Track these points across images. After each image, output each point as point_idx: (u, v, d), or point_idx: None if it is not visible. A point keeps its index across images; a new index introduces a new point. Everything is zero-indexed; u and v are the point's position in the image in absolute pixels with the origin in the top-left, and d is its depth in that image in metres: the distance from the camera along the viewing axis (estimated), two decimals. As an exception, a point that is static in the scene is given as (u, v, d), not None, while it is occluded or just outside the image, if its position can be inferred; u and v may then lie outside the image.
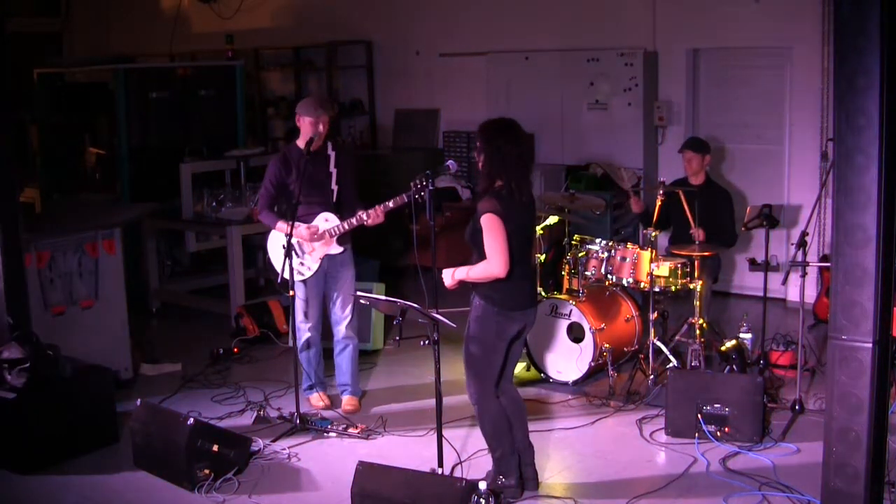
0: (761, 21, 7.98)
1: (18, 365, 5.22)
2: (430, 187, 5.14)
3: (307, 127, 5.79)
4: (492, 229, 4.43)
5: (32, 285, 5.91)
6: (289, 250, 5.49)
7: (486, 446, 5.30)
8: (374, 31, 10.61)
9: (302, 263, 5.83)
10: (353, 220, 5.74)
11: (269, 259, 6.01)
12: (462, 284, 4.64)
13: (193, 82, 9.46)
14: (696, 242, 6.26)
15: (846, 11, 3.65)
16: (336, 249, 5.88)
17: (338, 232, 5.81)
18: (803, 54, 7.85)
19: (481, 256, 4.51)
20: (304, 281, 5.84)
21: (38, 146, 9.85)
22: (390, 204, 5.62)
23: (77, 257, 6.26)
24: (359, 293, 5.45)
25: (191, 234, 8.75)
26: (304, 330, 5.93)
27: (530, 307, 4.73)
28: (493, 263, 4.43)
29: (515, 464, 4.72)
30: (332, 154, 5.91)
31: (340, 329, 6.02)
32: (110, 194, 9.04)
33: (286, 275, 5.53)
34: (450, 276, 4.63)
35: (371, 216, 5.67)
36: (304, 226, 5.75)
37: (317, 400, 6.06)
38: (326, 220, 5.85)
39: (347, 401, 6.06)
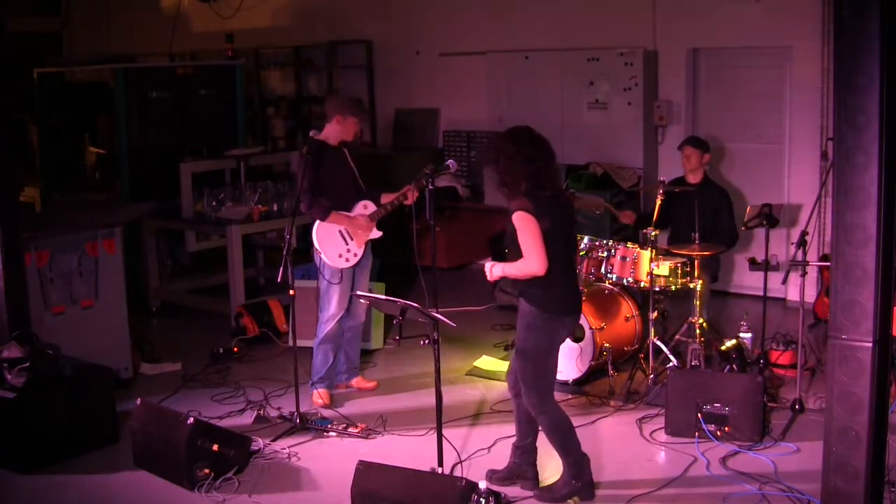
0: (761, 21, 7.97)
1: (18, 365, 5.22)
2: (431, 186, 5.14)
3: (349, 127, 5.96)
4: (525, 227, 4.42)
5: (32, 285, 5.90)
6: (288, 248, 5.51)
7: (486, 446, 5.34)
8: (374, 30, 10.61)
9: (349, 250, 5.95)
10: (395, 202, 6.00)
11: (316, 250, 5.95)
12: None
13: (193, 82, 9.47)
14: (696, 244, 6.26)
15: (846, 11, 3.65)
16: (376, 234, 6.08)
17: (379, 216, 6.06)
18: (803, 54, 7.85)
19: (519, 257, 4.49)
20: (342, 270, 5.95)
21: (38, 146, 9.85)
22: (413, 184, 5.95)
23: (77, 257, 6.26)
24: (359, 292, 5.45)
25: (191, 233, 8.76)
26: (335, 320, 6.01)
27: (577, 313, 4.73)
28: (531, 261, 4.42)
29: (587, 464, 4.69)
30: (345, 150, 6.07)
31: (359, 312, 6.17)
32: (110, 194, 9.04)
33: (316, 271, 5.64)
34: (491, 269, 4.61)
35: (410, 196, 5.94)
36: (355, 216, 5.99)
37: (318, 397, 6.08)
38: (365, 207, 6.04)
39: (365, 381, 6.36)
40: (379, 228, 6.10)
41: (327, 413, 5.90)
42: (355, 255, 5.99)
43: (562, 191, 4.70)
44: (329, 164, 5.89)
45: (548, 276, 4.45)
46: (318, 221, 5.90)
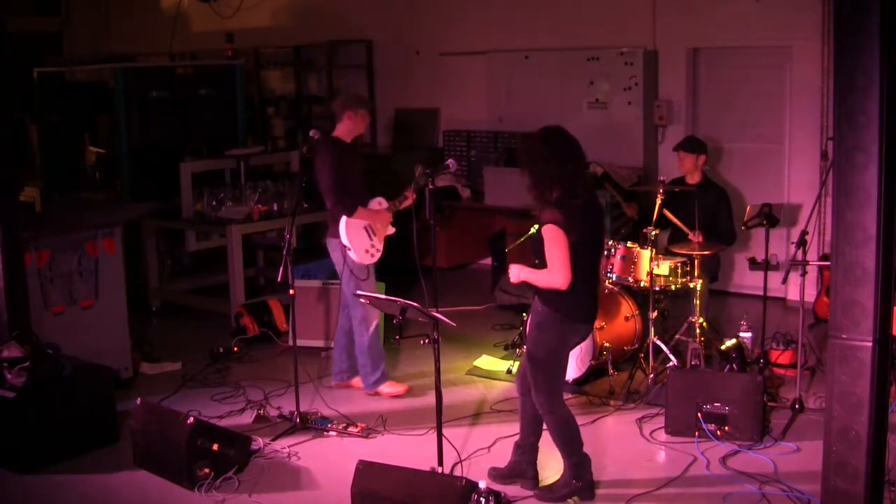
0: (761, 20, 7.97)
1: (18, 365, 5.22)
2: (431, 186, 5.15)
3: (361, 122, 6.05)
4: (554, 241, 4.39)
5: (32, 285, 5.90)
6: (288, 248, 5.51)
7: (486, 446, 5.34)
8: (374, 30, 10.61)
9: (373, 245, 6.03)
10: (398, 202, 6.12)
11: (345, 247, 5.95)
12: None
13: (193, 82, 9.46)
14: (696, 243, 6.27)
15: (846, 10, 3.65)
16: (391, 230, 6.16)
17: (393, 211, 6.16)
18: (803, 53, 7.85)
19: (544, 266, 4.47)
20: (368, 266, 6.02)
21: (38, 145, 9.85)
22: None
23: (77, 256, 6.26)
24: (359, 292, 5.46)
25: (191, 233, 8.75)
26: (376, 319, 6.09)
27: (592, 321, 4.73)
28: (555, 275, 4.40)
29: (588, 466, 4.70)
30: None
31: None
32: (110, 193, 9.04)
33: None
34: (516, 273, 4.60)
35: (410, 197, 6.15)
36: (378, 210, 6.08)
37: (390, 387, 6.18)
38: (380, 203, 6.13)
39: (362, 381, 6.32)
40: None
41: (327, 412, 5.90)
42: (378, 250, 6.05)
43: (592, 195, 4.65)
44: (347, 161, 5.94)
45: (571, 284, 4.43)
46: (345, 218, 5.91)
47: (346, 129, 6.02)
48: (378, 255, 6.05)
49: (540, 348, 4.59)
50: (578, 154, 4.53)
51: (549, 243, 4.40)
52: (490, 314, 7.93)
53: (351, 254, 5.93)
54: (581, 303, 4.57)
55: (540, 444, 4.88)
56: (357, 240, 5.94)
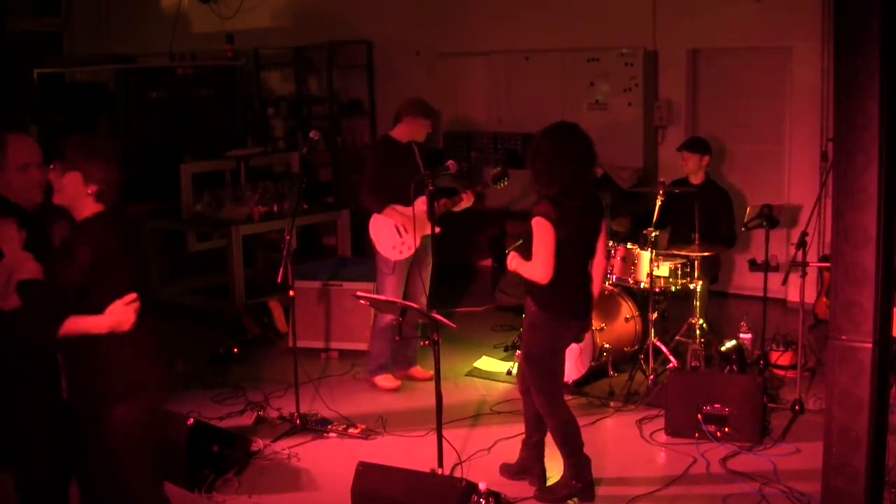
0: (761, 21, 7.97)
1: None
2: (431, 188, 5.16)
3: (417, 129, 6.20)
4: (540, 234, 4.39)
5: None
6: (288, 249, 5.52)
7: (485, 447, 5.34)
8: (374, 30, 10.61)
9: (403, 243, 6.12)
10: (450, 204, 6.25)
11: (371, 241, 6.17)
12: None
13: (193, 82, 9.47)
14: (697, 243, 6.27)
15: (846, 10, 3.65)
16: (434, 230, 6.15)
17: (448, 209, 6.26)
18: (803, 54, 7.85)
19: (529, 258, 4.48)
20: (395, 262, 6.10)
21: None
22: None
23: (77, 257, 6.24)
24: (359, 293, 5.47)
25: (191, 233, 8.76)
26: None
27: (586, 317, 4.73)
28: (536, 268, 4.41)
29: (588, 467, 4.70)
30: (414, 147, 6.26)
31: (420, 304, 6.18)
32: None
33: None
34: (510, 261, 4.63)
35: (466, 199, 6.37)
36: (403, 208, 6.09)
37: (384, 381, 6.32)
38: (423, 203, 6.11)
39: (422, 371, 6.42)
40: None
41: (327, 414, 5.90)
42: (409, 247, 6.12)
43: (593, 199, 4.61)
44: (395, 161, 6.08)
45: (557, 282, 4.43)
46: (374, 214, 6.08)
47: (403, 131, 6.20)
48: (409, 252, 6.12)
49: (534, 348, 4.60)
50: (583, 156, 4.49)
51: (536, 236, 4.41)
52: (490, 315, 7.93)
53: (376, 247, 6.09)
54: (570, 300, 4.57)
55: (548, 440, 4.88)
56: (383, 236, 6.10)
